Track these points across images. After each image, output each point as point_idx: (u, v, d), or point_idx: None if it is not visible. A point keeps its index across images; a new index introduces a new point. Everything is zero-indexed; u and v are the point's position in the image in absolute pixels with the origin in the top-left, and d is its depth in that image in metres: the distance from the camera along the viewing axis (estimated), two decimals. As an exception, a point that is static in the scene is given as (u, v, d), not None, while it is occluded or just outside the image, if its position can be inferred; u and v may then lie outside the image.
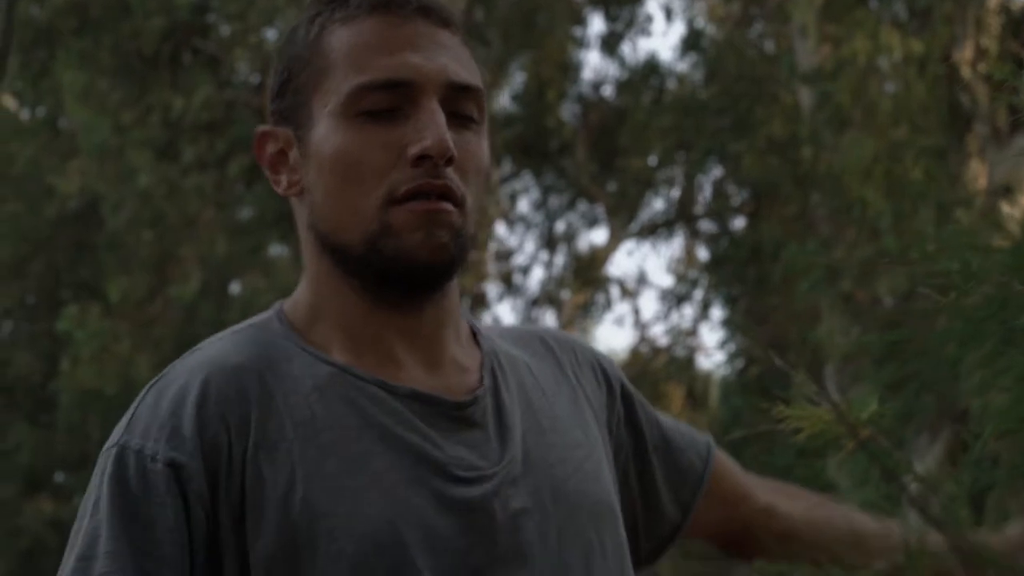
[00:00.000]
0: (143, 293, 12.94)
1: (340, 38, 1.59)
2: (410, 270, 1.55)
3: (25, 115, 14.55)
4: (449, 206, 1.54)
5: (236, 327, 1.61)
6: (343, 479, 1.50)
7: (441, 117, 1.54)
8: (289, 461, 1.50)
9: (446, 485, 1.52)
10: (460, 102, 1.57)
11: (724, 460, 1.78)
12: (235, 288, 13.49)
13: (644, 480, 1.72)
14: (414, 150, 1.53)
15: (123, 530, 1.48)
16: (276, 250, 13.54)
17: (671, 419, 1.78)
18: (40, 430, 14.22)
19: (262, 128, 1.62)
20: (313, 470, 1.50)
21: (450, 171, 1.54)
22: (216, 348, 1.57)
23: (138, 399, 1.56)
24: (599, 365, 1.73)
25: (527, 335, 1.72)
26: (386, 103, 1.55)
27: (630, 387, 1.75)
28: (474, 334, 1.65)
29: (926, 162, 9.66)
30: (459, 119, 1.57)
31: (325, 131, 1.57)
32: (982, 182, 9.88)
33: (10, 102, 14.25)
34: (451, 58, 1.58)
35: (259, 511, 1.49)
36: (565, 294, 14.34)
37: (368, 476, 1.51)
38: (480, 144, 1.59)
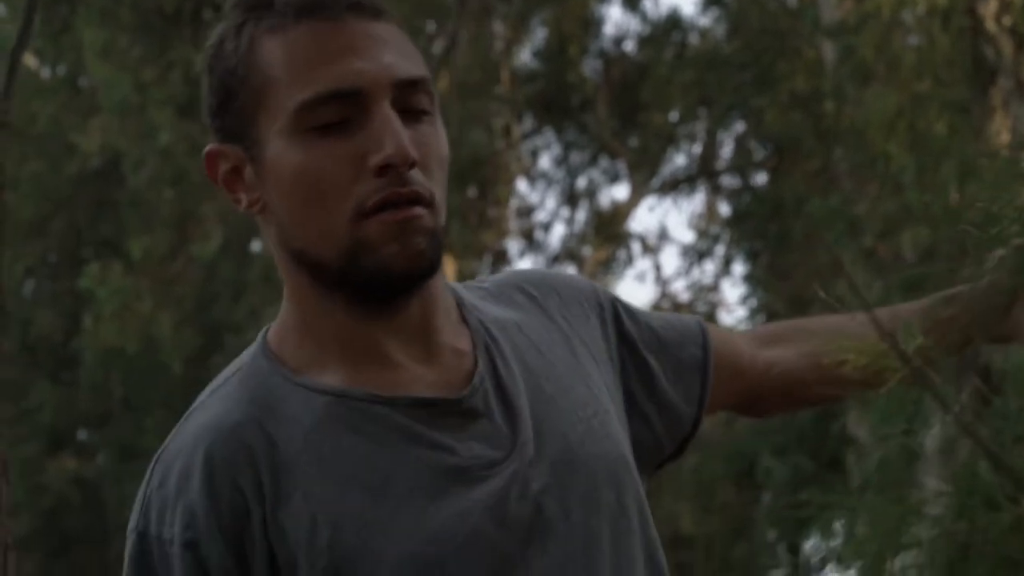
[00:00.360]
0: (164, 251, 12.97)
1: (273, 50, 1.53)
2: (390, 280, 1.51)
3: (46, 73, 14.57)
4: (420, 210, 1.51)
5: (225, 375, 1.57)
6: (368, 512, 1.48)
7: (396, 122, 1.50)
8: (307, 509, 1.48)
9: (468, 489, 1.51)
10: (410, 97, 1.52)
11: (718, 337, 1.74)
12: (255, 246, 13.51)
13: (651, 389, 1.69)
14: (376, 160, 1.49)
15: None
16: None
17: (658, 315, 1.75)
18: (62, 388, 14.28)
19: (210, 147, 1.56)
20: (336, 510, 1.48)
21: (414, 173, 1.50)
22: (211, 411, 1.53)
23: (146, 479, 1.54)
24: (582, 296, 1.70)
25: (506, 288, 1.68)
26: (336, 115, 1.50)
27: (615, 302, 1.72)
28: (460, 308, 1.62)
29: (950, 116, 9.61)
30: (412, 114, 1.52)
31: (278, 151, 1.52)
32: (1005, 136, 9.82)
33: (31, 60, 14.25)
34: (393, 53, 1.52)
35: (290, 568, 1.47)
36: (586, 250, 14.33)
37: (392, 503, 1.49)
38: (437, 134, 1.54)
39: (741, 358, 1.75)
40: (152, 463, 1.54)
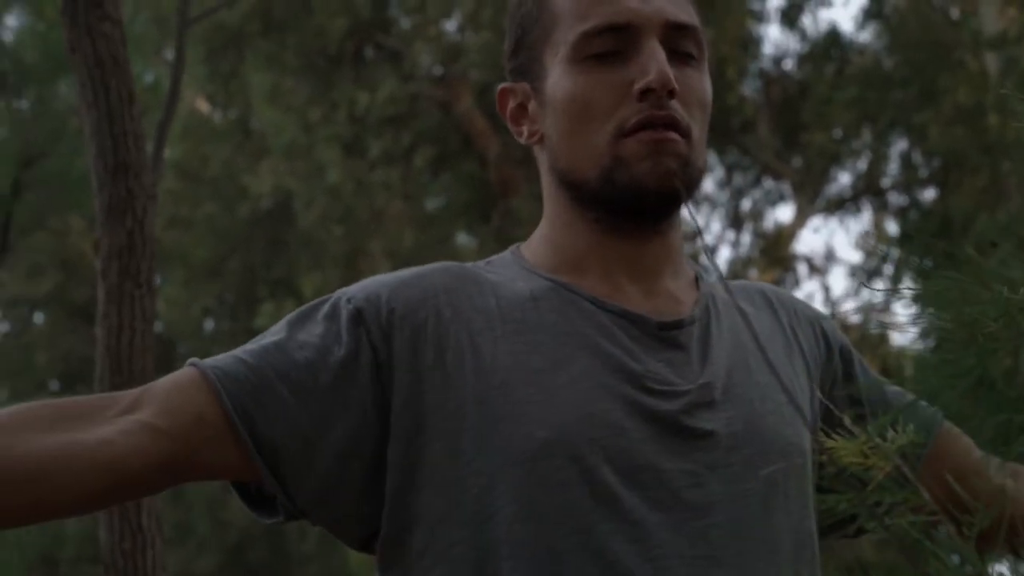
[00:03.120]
0: (335, 288, 13.14)
1: None
2: (641, 197, 1.64)
3: (217, 118, 14.89)
4: (675, 135, 1.64)
5: None
6: (543, 376, 1.59)
7: (661, 54, 1.64)
8: (492, 350, 1.61)
9: (637, 394, 1.61)
10: (679, 40, 1.67)
11: (953, 437, 1.71)
12: (424, 280, 13.61)
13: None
14: (638, 85, 1.64)
15: (289, 328, 1.63)
16: (463, 239, 13.65)
17: (897, 388, 1.75)
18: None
19: (502, 85, 1.75)
20: (516, 362, 1.60)
21: (674, 103, 1.64)
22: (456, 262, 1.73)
23: None
24: (819, 324, 1.77)
25: (748, 287, 1.79)
26: (609, 46, 1.66)
27: (852, 350, 1.78)
28: (696, 280, 1.74)
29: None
30: (679, 56, 1.67)
31: (557, 78, 1.68)
32: None
33: (203, 105, 14.60)
34: (667, 0, 1.68)
35: (454, 378, 1.59)
36: (753, 273, 14.20)
37: (566, 376, 1.60)
38: (701, 79, 1.68)
39: (971, 467, 1.60)
40: None
